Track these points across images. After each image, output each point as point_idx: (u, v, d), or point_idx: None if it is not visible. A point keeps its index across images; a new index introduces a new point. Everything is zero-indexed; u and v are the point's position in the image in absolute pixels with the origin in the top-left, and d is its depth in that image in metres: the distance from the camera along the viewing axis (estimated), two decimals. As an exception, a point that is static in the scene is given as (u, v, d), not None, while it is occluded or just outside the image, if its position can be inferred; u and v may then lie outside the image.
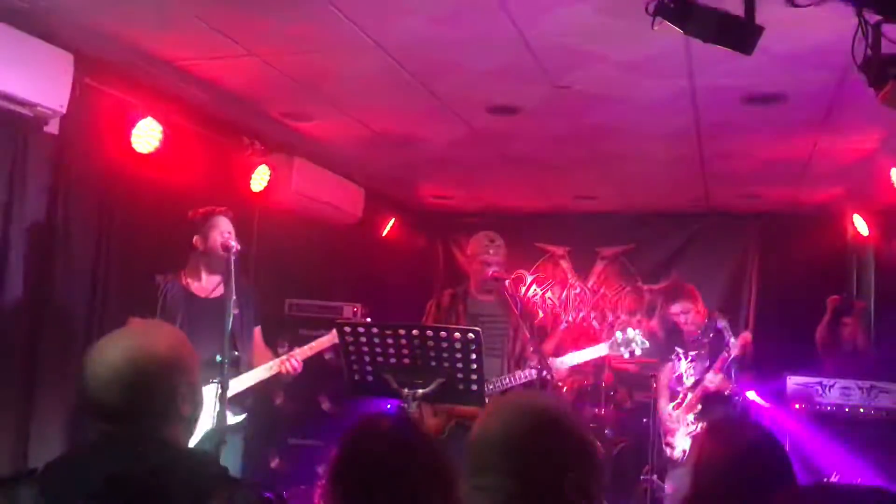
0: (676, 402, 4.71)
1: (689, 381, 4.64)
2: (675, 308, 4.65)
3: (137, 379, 1.57)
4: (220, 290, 3.55)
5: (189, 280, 3.61)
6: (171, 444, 1.58)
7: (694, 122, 4.23)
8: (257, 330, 3.81)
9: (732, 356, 4.47)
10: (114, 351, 1.61)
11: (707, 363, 4.53)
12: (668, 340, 4.88)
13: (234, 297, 3.25)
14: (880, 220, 5.75)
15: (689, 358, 4.64)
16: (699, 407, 4.54)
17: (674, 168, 5.35)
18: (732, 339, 4.48)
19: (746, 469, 1.80)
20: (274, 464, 5.21)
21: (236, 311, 3.36)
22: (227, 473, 1.56)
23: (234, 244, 3.45)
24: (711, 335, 4.51)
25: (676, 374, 4.73)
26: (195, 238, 3.59)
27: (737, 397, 4.58)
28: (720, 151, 4.82)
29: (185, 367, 1.66)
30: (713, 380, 4.45)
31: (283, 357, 3.62)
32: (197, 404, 1.68)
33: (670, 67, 3.40)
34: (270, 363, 3.61)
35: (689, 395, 4.60)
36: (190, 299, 3.55)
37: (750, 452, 1.83)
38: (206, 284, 3.61)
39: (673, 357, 4.74)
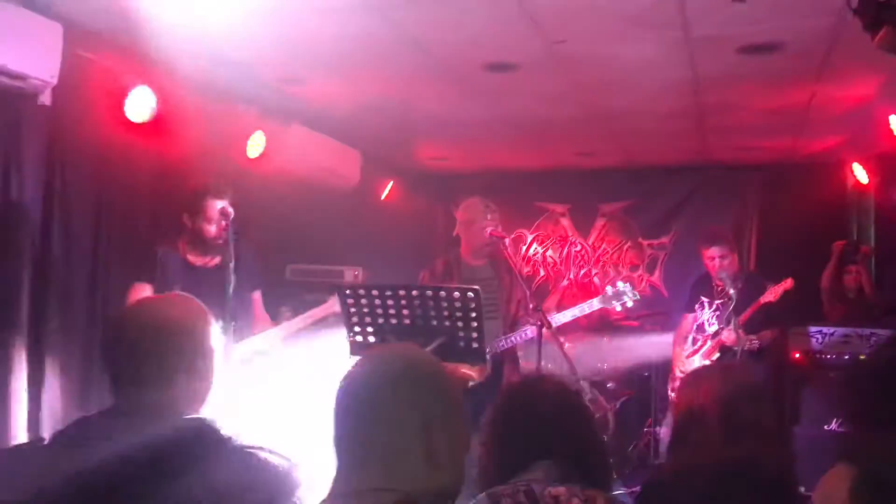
0: (693, 349, 4.71)
1: (710, 329, 4.63)
2: (713, 251, 4.55)
3: (154, 347, 1.59)
4: (217, 259, 3.52)
5: (187, 249, 3.57)
6: (181, 411, 1.60)
7: (691, 75, 4.19)
8: (256, 295, 3.77)
9: (766, 301, 4.39)
10: (130, 319, 1.67)
11: (729, 313, 4.46)
12: (695, 290, 4.84)
13: (232, 265, 3.23)
14: (880, 168, 5.74)
15: (714, 307, 4.63)
16: (717, 354, 4.52)
17: (672, 122, 5.32)
18: (771, 285, 4.43)
19: (721, 415, 1.83)
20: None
21: (233, 279, 3.33)
22: (230, 440, 1.58)
23: (225, 225, 3.34)
24: (741, 285, 4.45)
25: (699, 322, 4.71)
26: (184, 216, 3.53)
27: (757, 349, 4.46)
28: (718, 104, 4.79)
29: (199, 333, 1.67)
30: (728, 335, 4.40)
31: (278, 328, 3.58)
32: (211, 371, 1.69)
33: (664, 18, 3.36)
34: (270, 333, 3.59)
35: (709, 343, 4.60)
36: (187, 269, 3.52)
37: (722, 400, 1.86)
38: (204, 254, 3.58)
39: (697, 307, 4.72)
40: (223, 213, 3.42)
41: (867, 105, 4.66)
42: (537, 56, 3.90)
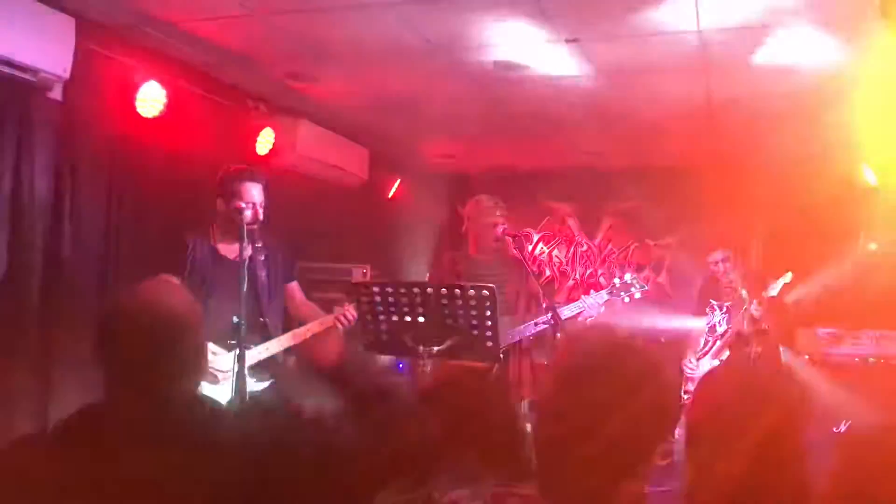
0: (703, 350, 4.71)
1: (720, 329, 4.63)
2: (716, 255, 4.57)
3: (144, 338, 1.59)
4: (248, 251, 3.36)
5: (218, 237, 3.41)
6: (176, 402, 1.60)
7: (703, 71, 4.17)
8: (294, 285, 3.67)
9: (770, 296, 4.41)
10: (122, 310, 1.64)
11: (742, 308, 4.44)
12: (703, 294, 4.84)
13: (262, 258, 3.18)
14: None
15: (724, 309, 4.62)
16: (727, 353, 4.52)
17: (681, 122, 5.29)
18: (772, 281, 4.44)
19: (741, 418, 1.80)
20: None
21: (263, 273, 3.28)
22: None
23: (256, 213, 3.25)
24: (748, 285, 4.45)
25: (710, 324, 4.71)
26: (218, 200, 3.40)
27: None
28: (729, 103, 4.77)
29: (190, 324, 1.67)
30: (757, 309, 4.39)
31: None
32: (202, 362, 1.71)
33: (678, 13, 3.34)
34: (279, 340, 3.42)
35: (718, 343, 4.59)
36: (218, 260, 3.38)
37: (744, 402, 1.83)
38: (235, 240, 3.38)
39: (707, 310, 4.72)
40: (257, 198, 3.34)
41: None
42: (548, 55, 3.89)
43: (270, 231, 3.49)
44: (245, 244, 3.24)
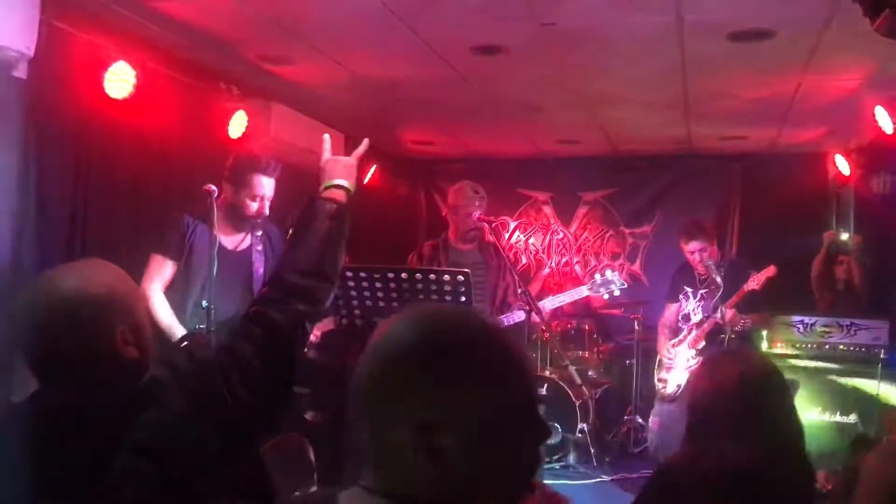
0: (678, 339, 4.72)
1: (695, 319, 4.63)
2: (693, 245, 4.55)
3: (67, 325, 1.45)
4: (247, 242, 3.32)
5: (219, 223, 3.22)
6: (113, 386, 1.45)
7: (680, 61, 4.17)
8: None
9: (750, 289, 4.40)
10: (41, 295, 1.49)
11: (716, 300, 4.45)
12: (677, 279, 4.84)
13: (260, 248, 3.12)
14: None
15: (698, 297, 4.63)
16: (703, 343, 4.53)
17: (658, 110, 5.31)
18: (754, 273, 4.42)
19: (736, 402, 1.78)
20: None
21: (260, 266, 3.20)
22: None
23: (263, 208, 3.15)
24: (723, 272, 4.44)
25: (683, 312, 4.71)
26: (225, 185, 3.26)
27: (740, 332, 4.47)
28: (705, 92, 4.78)
29: (124, 306, 1.53)
30: (726, 314, 4.36)
31: None
32: (145, 345, 1.55)
33: (659, 1, 3.33)
34: None
35: (694, 332, 4.60)
36: (219, 249, 3.23)
37: (740, 385, 1.82)
38: (237, 230, 3.33)
39: (681, 297, 4.72)
40: (268, 193, 3.23)
41: (852, 96, 4.68)
42: (526, 38, 3.85)
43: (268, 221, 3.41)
44: (244, 235, 3.19)
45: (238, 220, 3.27)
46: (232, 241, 3.33)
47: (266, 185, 3.23)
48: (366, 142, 2.04)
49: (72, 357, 1.46)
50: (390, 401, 0.97)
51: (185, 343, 2.53)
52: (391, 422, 0.96)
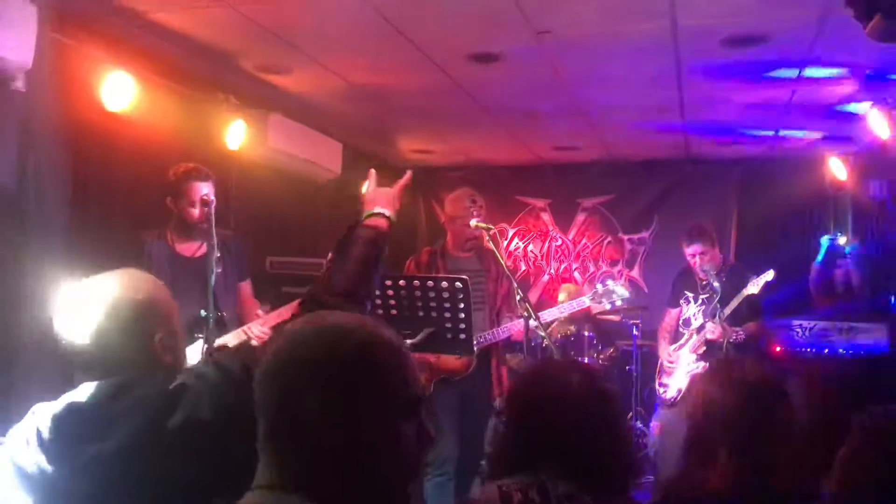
0: (679, 343, 4.70)
1: (696, 323, 4.61)
2: (694, 248, 4.54)
3: (111, 327, 1.51)
4: (203, 249, 3.47)
5: (174, 238, 3.53)
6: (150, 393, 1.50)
7: (675, 68, 4.19)
8: (245, 285, 3.74)
9: (749, 294, 4.37)
10: (86, 299, 1.54)
11: (713, 306, 4.43)
12: (678, 284, 4.83)
13: (218, 255, 3.20)
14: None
15: (699, 301, 4.62)
16: (704, 348, 4.50)
17: (654, 116, 5.32)
18: (754, 277, 4.41)
19: (745, 411, 1.75)
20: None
21: (219, 270, 3.31)
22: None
23: (208, 210, 3.33)
24: (724, 278, 4.43)
25: (684, 317, 4.70)
26: (168, 199, 3.50)
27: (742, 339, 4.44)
28: (701, 98, 4.80)
29: (162, 313, 1.59)
30: (713, 330, 4.34)
31: (244, 328, 3.49)
32: (179, 353, 1.62)
33: (653, 6, 3.35)
34: (237, 331, 3.49)
35: (695, 336, 4.59)
36: (174, 258, 3.48)
37: (749, 394, 1.78)
38: (191, 243, 3.53)
39: (682, 301, 4.71)
40: (205, 197, 3.41)
41: (847, 101, 4.70)
42: (522, 46, 3.87)
43: (231, 226, 3.51)
44: (199, 242, 3.39)
45: (187, 228, 3.48)
46: (188, 248, 3.53)
47: (202, 189, 3.43)
48: (409, 173, 2.13)
49: (114, 357, 1.51)
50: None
51: (212, 354, 2.56)
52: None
